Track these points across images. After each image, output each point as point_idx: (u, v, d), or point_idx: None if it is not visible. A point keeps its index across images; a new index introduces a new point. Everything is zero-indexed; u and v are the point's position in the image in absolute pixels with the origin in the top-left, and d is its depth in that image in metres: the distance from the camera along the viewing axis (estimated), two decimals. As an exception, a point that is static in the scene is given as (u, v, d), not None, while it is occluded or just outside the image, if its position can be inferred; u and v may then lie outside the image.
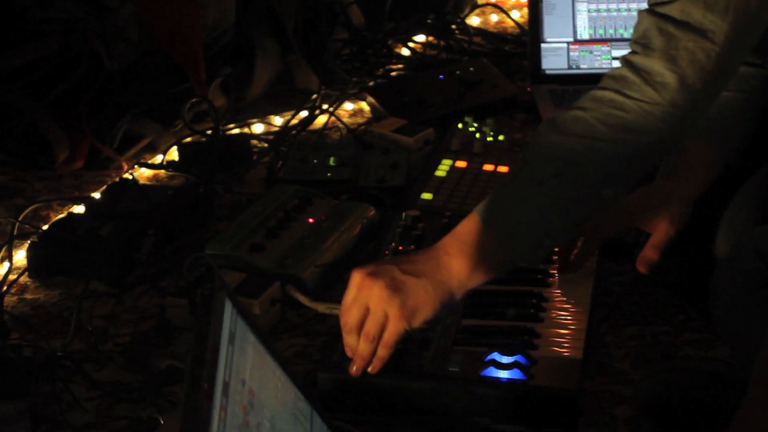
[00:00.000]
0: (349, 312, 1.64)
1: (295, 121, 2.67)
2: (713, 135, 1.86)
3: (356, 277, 1.64)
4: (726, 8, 1.49)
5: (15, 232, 2.21)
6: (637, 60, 1.53)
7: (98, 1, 2.48)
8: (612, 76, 1.57)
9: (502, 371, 1.66)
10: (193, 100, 2.48)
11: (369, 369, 1.65)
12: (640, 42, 1.54)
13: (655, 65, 1.52)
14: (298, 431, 1.42)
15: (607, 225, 1.88)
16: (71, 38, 2.48)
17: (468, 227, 1.61)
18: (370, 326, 1.62)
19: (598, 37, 2.77)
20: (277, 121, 2.71)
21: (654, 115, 1.53)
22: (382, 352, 1.63)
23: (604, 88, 1.57)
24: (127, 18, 2.50)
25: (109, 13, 2.47)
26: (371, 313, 1.62)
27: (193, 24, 2.53)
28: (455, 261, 1.60)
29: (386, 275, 1.61)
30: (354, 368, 1.65)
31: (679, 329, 1.89)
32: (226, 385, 1.30)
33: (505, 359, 1.68)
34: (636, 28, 1.57)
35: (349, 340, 1.65)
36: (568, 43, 2.78)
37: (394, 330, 1.61)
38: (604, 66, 2.76)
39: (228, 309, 1.40)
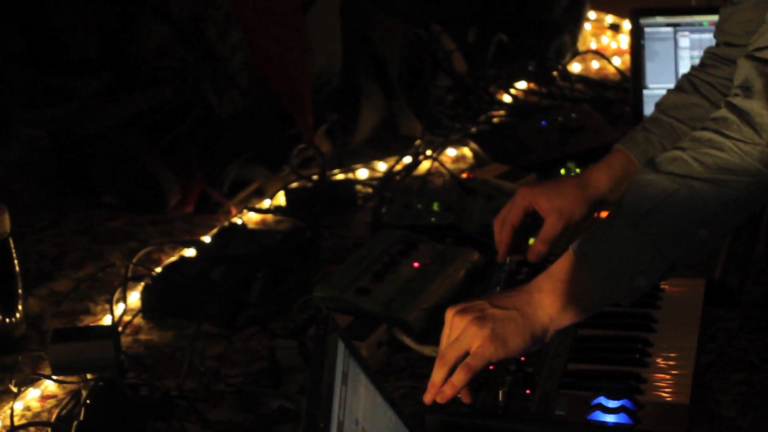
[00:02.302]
0: (444, 349, 1.66)
1: (399, 167, 2.71)
2: (646, 151, 1.87)
3: (449, 315, 1.67)
4: None
5: (129, 275, 2.27)
6: (738, 101, 1.55)
7: (210, 50, 2.55)
8: (713, 117, 1.58)
9: (608, 415, 1.68)
10: (301, 146, 2.54)
11: (438, 397, 1.63)
12: (741, 87, 1.56)
13: (755, 106, 1.52)
14: (410, 471, 1.45)
15: (516, 203, 1.95)
16: (184, 86, 2.56)
17: (562, 265, 1.63)
18: (450, 352, 1.63)
19: (700, 83, 2.78)
20: (381, 166, 2.76)
21: (752, 155, 1.52)
22: (457, 377, 1.62)
23: (705, 129, 1.57)
24: (237, 66, 2.57)
25: (220, 62, 2.55)
26: (456, 341, 1.63)
27: (301, 71, 2.59)
28: (547, 297, 1.62)
29: (476, 309, 1.64)
30: (426, 396, 1.64)
31: (787, 376, 1.89)
32: (340, 424, 1.34)
33: (612, 403, 1.69)
34: (737, 75, 1.58)
35: (435, 375, 1.65)
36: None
37: (479, 354, 1.61)
38: (706, 112, 2.77)
39: (341, 350, 1.44)
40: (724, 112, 1.55)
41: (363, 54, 2.81)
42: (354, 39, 2.79)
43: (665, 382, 1.76)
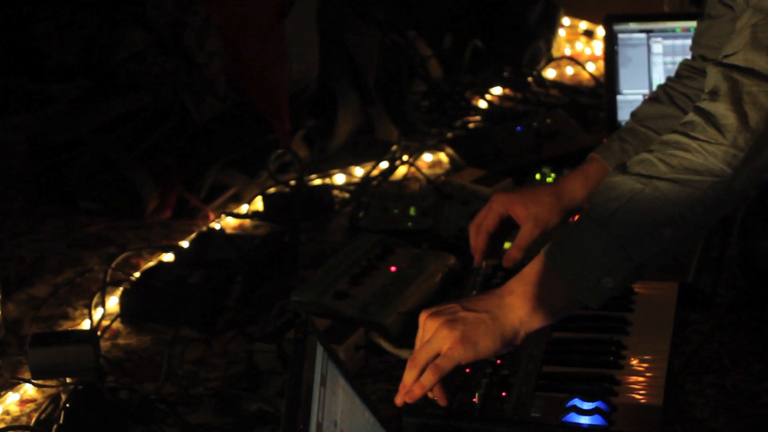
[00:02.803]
0: (417, 351, 1.68)
1: (375, 172, 2.73)
2: (622, 160, 1.92)
3: (422, 318, 1.68)
4: None
5: (108, 279, 2.29)
6: (704, 105, 1.57)
7: (188, 56, 2.57)
8: (682, 122, 1.60)
9: (583, 417, 1.70)
10: (279, 151, 2.56)
11: (407, 397, 1.64)
12: (709, 92, 1.58)
13: (720, 108, 1.55)
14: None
15: (492, 210, 1.97)
16: (162, 91, 2.57)
17: (533, 267, 1.65)
18: (420, 354, 1.64)
19: (673, 88, 2.81)
20: (358, 171, 2.78)
21: (716, 155, 1.54)
22: (426, 377, 1.63)
23: (673, 132, 1.60)
24: (215, 72, 2.59)
25: (198, 68, 2.56)
26: (427, 343, 1.64)
27: (278, 77, 2.61)
28: (518, 300, 1.63)
29: (448, 312, 1.65)
30: (397, 398, 1.65)
31: (758, 378, 1.91)
32: (319, 426, 1.36)
33: (586, 405, 1.71)
34: (707, 82, 1.60)
35: (406, 377, 1.66)
36: (643, 95, 2.82)
37: (449, 356, 1.62)
38: (679, 117, 2.80)
39: (320, 353, 1.46)
40: (691, 115, 1.58)
41: (340, 60, 2.83)
42: (331, 45, 2.81)
43: (639, 384, 1.78)
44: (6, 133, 2.80)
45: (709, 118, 1.55)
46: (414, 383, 1.65)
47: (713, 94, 1.56)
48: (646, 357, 1.86)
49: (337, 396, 1.46)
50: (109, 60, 2.59)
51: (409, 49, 3.02)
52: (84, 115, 2.62)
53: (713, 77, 1.57)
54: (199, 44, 2.57)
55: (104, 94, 2.61)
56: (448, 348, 1.63)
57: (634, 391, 1.77)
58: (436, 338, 1.64)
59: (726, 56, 1.57)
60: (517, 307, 1.64)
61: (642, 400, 1.74)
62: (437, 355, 1.64)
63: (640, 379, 1.80)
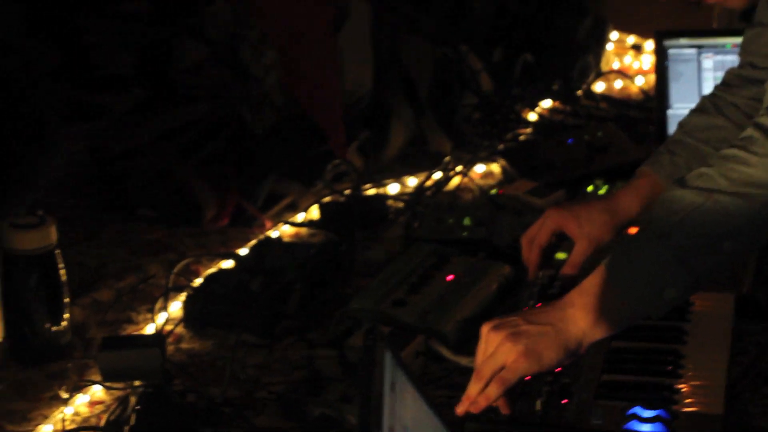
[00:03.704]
0: (479, 364, 1.71)
1: (429, 183, 2.77)
2: (673, 173, 1.93)
3: (484, 330, 1.71)
4: None
5: (170, 285, 2.33)
6: (763, 120, 1.60)
7: (245, 69, 2.61)
8: (740, 137, 1.63)
9: (644, 425, 1.73)
10: (336, 161, 2.60)
11: (471, 408, 1.68)
12: (767, 107, 1.61)
13: None
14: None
15: (545, 225, 2.02)
16: (219, 103, 2.62)
17: (594, 280, 1.68)
18: (485, 367, 1.68)
19: (724, 103, 2.83)
20: (411, 182, 2.82)
21: None
22: (492, 390, 1.67)
23: (732, 146, 1.62)
24: (271, 84, 2.63)
25: (254, 80, 2.61)
26: (491, 356, 1.68)
27: (333, 90, 2.65)
28: (579, 312, 1.67)
29: (510, 325, 1.69)
30: (459, 407, 1.69)
31: (816, 387, 1.94)
32: (390, 430, 1.39)
33: (647, 413, 1.74)
34: (765, 98, 1.63)
35: (471, 389, 1.70)
36: (693, 109, 2.84)
37: (513, 369, 1.66)
38: (729, 131, 2.83)
39: (388, 360, 1.49)
40: (750, 131, 1.61)
41: (393, 73, 2.87)
42: (384, 58, 2.85)
43: (698, 393, 1.81)
44: (66, 142, 2.85)
45: None
46: (478, 395, 1.69)
47: None
48: (704, 366, 1.88)
49: (406, 402, 1.49)
50: (167, 71, 2.64)
51: (460, 62, 3.06)
52: (143, 125, 2.67)
53: None
54: (255, 57, 2.62)
55: (162, 104, 2.66)
56: (512, 361, 1.66)
57: (693, 399, 1.79)
58: (500, 351, 1.67)
59: None
60: (579, 319, 1.67)
61: (702, 409, 1.77)
62: (501, 368, 1.67)
63: (700, 388, 1.82)
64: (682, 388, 1.82)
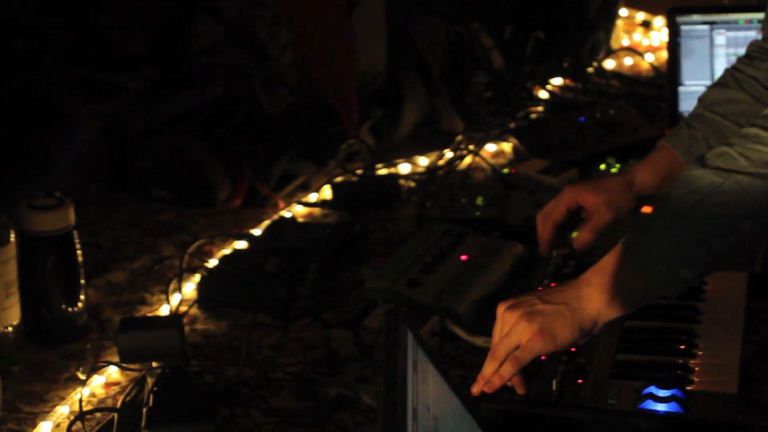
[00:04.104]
0: (495, 344, 1.72)
1: (441, 162, 2.78)
2: (691, 147, 1.94)
3: (500, 310, 1.72)
4: None
5: (184, 266, 2.34)
6: None
7: (260, 49, 2.62)
8: (762, 115, 1.62)
9: (659, 404, 1.74)
10: (351, 141, 2.61)
11: (486, 387, 1.69)
12: None
13: None
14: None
15: (561, 201, 2.01)
16: (234, 83, 2.63)
17: (610, 259, 1.68)
18: (500, 347, 1.68)
19: (735, 80, 2.83)
20: (423, 161, 2.83)
21: None
22: (506, 369, 1.68)
23: (753, 125, 1.62)
24: (286, 64, 2.64)
25: (270, 60, 2.61)
26: (506, 336, 1.68)
27: (347, 69, 2.66)
28: (595, 291, 1.67)
29: (526, 305, 1.69)
30: (474, 387, 1.70)
31: (829, 366, 1.95)
32: (414, 411, 1.41)
33: (662, 393, 1.75)
34: None
35: (486, 368, 1.71)
36: (705, 86, 2.84)
37: (528, 348, 1.66)
38: (741, 109, 2.83)
39: (410, 340, 1.51)
40: None
41: (406, 52, 2.88)
42: (397, 38, 2.86)
43: (713, 372, 1.82)
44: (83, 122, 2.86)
45: None
46: (493, 374, 1.70)
47: None
48: (718, 346, 1.89)
49: (428, 382, 1.50)
50: (183, 52, 2.65)
51: (472, 40, 3.06)
52: (158, 106, 2.68)
53: None
54: (271, 37, 2.62)
55: (176, 85, 2.67)
56: (527, 340, 1.67)
57: (708, 379, 1.80)
58: (515, 331, 1.68)
59: None
60: (594, 298, 1.67)
61: (717, 388, 1.78)
62: (516, 347, 1.68)
63: (714, 367, 1.83)
64: (696, 367, 1.83)
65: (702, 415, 1.72)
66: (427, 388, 1.49)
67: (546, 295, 1.70)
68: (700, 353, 1.88)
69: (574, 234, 2.12)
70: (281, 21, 2.60)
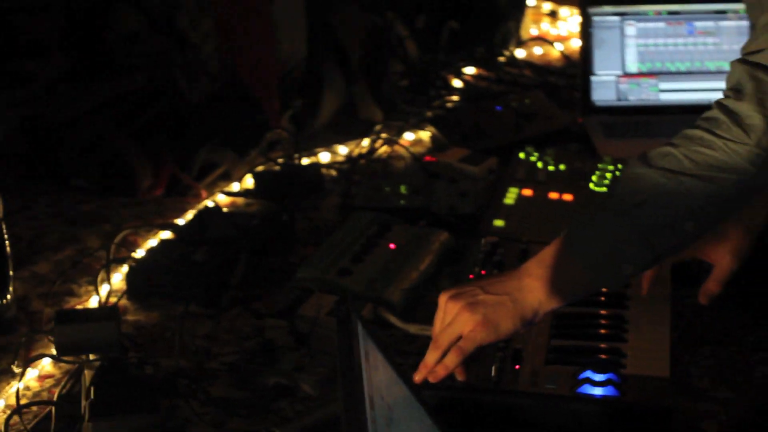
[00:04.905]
0: (437, 333, 1.75)
1: (362, 151, 2.80)
2: None
3: (442, 300, 1.74)
4: None
5: (111, 257, 2.33)
6: (728, 103, 1.63)
7: (182, 37, 2.61)
8: (704, 117, 1.66)
9: (596, 388, 1.79)
10: (278, 130, 2.61)
11: (430, 377, 1.72)
12: (732, 89, 1.64)
13: (745, 108, 1.61)
14: (428, 444, 1.54)
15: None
16: (156, 72, 2.61)
17: (552, 251, 1.71)
18: (443, 336, 1.71)
19: (646, 70, 2.91)
20: (342, 150, 2.84)
21: (741, 154, 1.60)
22: (450, 359, 1.71)
23: (696, 127, 1.66)
24: (208, 53, 2.63)
25: (191, 49, 2.60)
26: (449, 326, 1.71)
27: (269, 59, 2.66)
28: (536, 282, 1.70)
29: (469, 295, 1.72)
30: (417, 376, 1.73)
31: (752, 348, 2.02)
32: (371, 400, 1.43)
33: (599, 377, 1.80)
34: (729, 78, 1.66)
35: (429, 357, 1.74)
36: (617, 76, 2.91)
37: (471, 338, 1.69)
38: (651, 99, 2.90)
39: (360, 329, 1.53)
40: (715, 112, 1.64)
41: (326, 41, 2.89)
42: (317, 26, 2.87)
43: (644, 357, 1.87)
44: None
45: (734, 117, 1.61)
46: (436, 364, 1.73)
47: (737, 92, 1.62)
48: (647, 330, 1.95)
49: (379, 371, 1.52)
50: (102, 40, 2.63)
51: (387, 29, 3.08)
52: (78, 95, 2.65)
53: (737, 74, 1.63)
54: (192, 25, 2.62)
55: (97, 74, 2.65)
56: (470, 330, 1.70)
57: (641, 363, 1.85)
58: (458, 321, 1.71)
59: (751, 53, 1.63)
60: (535, 289, 1.70)
61: (650, 372, 1.83)
62: (459, 337, 1.71)
63: (645, 351, 1.89)
64: (627, 351, 1.89)
65: (637, 398, 1.77)
66: (379, 377, 1.51)
67: (488, 285, 1.73)
68: (630, 338, 1.93)
69: (498, 222, 2.15)
70: (203, 9, 2.59)
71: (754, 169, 1.61)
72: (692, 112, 2.75)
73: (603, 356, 1.87)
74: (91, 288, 2.27)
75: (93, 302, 2.23)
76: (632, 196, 1.65)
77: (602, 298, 2.02)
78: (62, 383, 1.97)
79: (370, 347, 1.54)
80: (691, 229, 1.64)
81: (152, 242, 2.41)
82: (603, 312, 1.99)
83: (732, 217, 1.85)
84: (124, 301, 2.25)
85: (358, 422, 1.32)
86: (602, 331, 1.95)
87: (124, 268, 2.31)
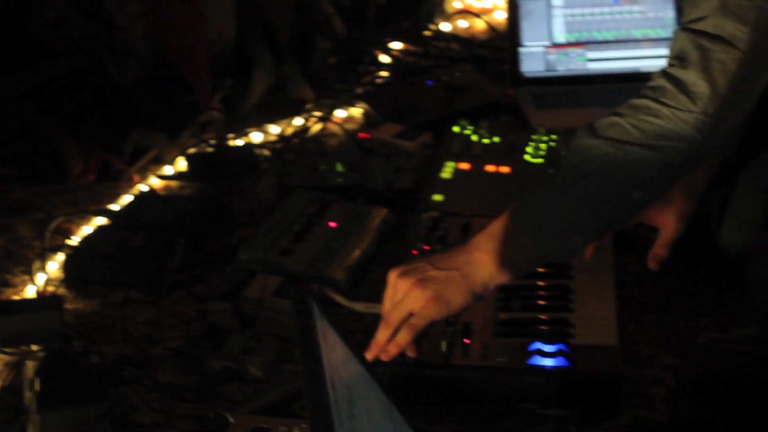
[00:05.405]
0: (388, 311, 1.74)
1: (295, 130, 2.78)
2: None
3: (392, 277, 1.73)
4: (757, 20, 1.61)
5: (46, 245, 2.29)
6: (674, 71, 1.63)
7: (109, 20, 2.56)
8: (650, 86, 1.66)
9: (547, 359, 1.79)
10: (210, 111, 2.58)
11: (383, 355, 1.71)
12: (676, 57, 1.64)
13: (690, 76, 1.61)
14: (387, 426, 1.53)
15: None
16: (83, 56, 2.56)
17: (500, 224, 1.70)
18: (394, 314, 1.70)
19: (573, 40, 2.92)
20: (274, 129, 2.82)
21: (687, 122, 1.61)
22: (402, 337, 1.69)
23: (642, 96, 1.66)
24: (136, 35, 2.59)
25: (119, 31, 2.56)
26: (400, 303, 1.70)
27: (197, 39, 2.63)
28: (486, 256, 1.69)
29: (418, 272, 1.70)
30: (368, 354, 1.71)
31: (695, 314, 2.04)
32: (332, 380, 1.41)
33: (549, 348, 1.81)
34: (672, 47, 1.66)
35: (380, 335, 1.73)
36: (545, 46, 2.92)
37: (423, 314, 1.68)
38: (579, 68, 2.92)
39: (316, 310, 1.51)
40: (661, 81, 1.63)
41: (254, 21, 2.86)
42: (246, 6, 2.83)
43: (592, 326, 1.88)
44: None
45: (680, 85, 1.61)
46: (388, 342, 1.72)
47: (682, 61, 1.62)
48: (593, 300, 1.96)
49: (336, 351, 1.51)
50: (28, 25, 2.57)
51: (314, 7, 3.06)
52: (4, 82, 2.60)
53: (680, 42, 1.63)
54: (119, 8, 2.57)
55: (24, 59, 2.59)
56: (421, 307, 1.69)
57: (589, 332, 1.87)
58: (408, 298, 1.69)
59: (693, 21, 1.63)
60: (485, 263, 1.69)
61: (598, 341, 1.84)
62: (410, 314, 1.70)
63: (592, 320, 1.90)
64: (576, 321, 1.89)
65: (588, 367, 1.78)
66: (336, 357, 1.50)
67: (437, 261, 1.72)
68: (577, 308, 1.94)
69: (436, 197, 2.14)
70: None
71: (701, 136, 1.61)
72: (620, 81, 2.88)
73: (551, 327, 1.88)
74: (26, 278, 2.23)
75: (30, 292, 2.19)
76: (580, 167, 1.65)
77: (545, 270, 2.03)
78: (3, 375, 1.93)
79: (326, 327, 1.53)
80: (640, 198, 1.65)
81: (87, 229, 2.37)
82: (547, 283, 2.00)
83: None
84: (61, 290, 2.21)
85: (323, 405, 1.30)
86: (548, 302, 1.96)
87: (60, 257, 2.27)
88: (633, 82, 2.82)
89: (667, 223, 1.94)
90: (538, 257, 1.70)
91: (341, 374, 1.47)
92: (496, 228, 1.70)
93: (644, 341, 1.98)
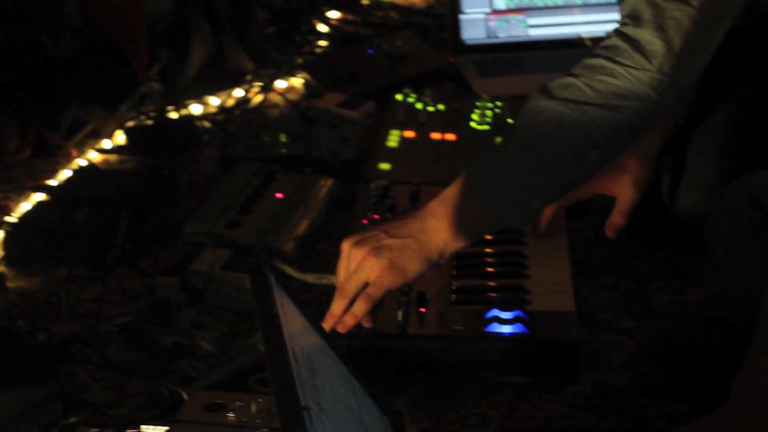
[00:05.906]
0: (343, 282, 1.71)
1: (232, 102, 2.73)
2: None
3: (345, 247, 1.69)
4: None
5: (-17, 223, 2.23)
6: (628, 30, 1.62)
7: (43, -10, 2.50)
8: (604, 45, 1.64)
9: (504, 326, 1.78)
10: (148, 83, 2.53)
11: (339, 327, 1.68)
12: (629, 16, 1.62)
13: (645, 34, 1.59)
14: (348, 396, 1.50)
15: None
16: (17, 28, 2.50)
17: (455, 189, 1.67)
18: (349, 284, 1.67)
19: (514, 6, 2.90)
20: (214, 101, 2.77)
21: (643, 80, 1.59)
22: (358, 307, 1.67)
23: (596, 56, 1.64)
24: (71, 7, 2.53)
25: (53, 2, 2.49)
26: (355, 273, 1.67)
27: (134, 10, 2.57)
28: (441, 222, 1.66)
29: (372, 240, 1.67)
30: (325, 324, 1.68)
31: (648, 278, 2.03)
32: (293, 352, 1.38)
33: (506, 315, 1.79)
34: (625, 5, 1.63)
35: (335, 307, 1.70)
36: (485, 13, 2.90)
37: (379, 283, 1.65)
38: (520, 35, 2.90)
39: (273, 281, 1.48)
40: (615, 40, 1.61)
41: (192, -10, 2.81)
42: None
43: (548, 292, 1.87)
44: None
45: (635, 44, 1.59)
46: (343, 312, 1.68)
47: (635, 20, 1.60)
48: (548, 266, 1.94)
49: (295, 322, 1.48)
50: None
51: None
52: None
53: (633, 1, 1.61)
54: (53, -23, 2.51)
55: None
56: (376, 276, 1.65)
57: (545, 298, 1.85)
58: (363, 267, 1.66)
59: None
60: (440, 229, 1.67)
61: (555, 307, 1.83)
62: (365, 284, 1.67)
63: (549, 286, 1.88)
64: (532, 288, 1.88)
65: (545, 333, 1.77)
66: (294, 327, 1.47)
67: (391, 229, 1.69)
68: (532, 274, 1.92)
69: (383, 166, 2.11)
70: (63, -39, 2.49)
71: (656, 95, 1.60)
72: (562, 47, 2.87)
73: (507, 294, 1.86)
74: (-35, 257, 2.18)
75: (-31, 272, 2.14)
76: (536, 129, 1.63)
77: (498, 236, 2.01)
78: (-53, 358, 1.88)
79: (284, 298, 1.49)
80: (597, 158, 1.63)
81: (26, 206, 2.31)
82: (501, 250, 1.98)
83: (632, 145, 1.84)
84: (2, 268, 2.15)
85: (287, 376, 1.27)
86: (503, 269, 1.94)
87: (0, 234, 2.22)
88: (574, 47, 2.83)
89: (624, 191, 1.92)
90: (495, 222, 1.67)
91: (302, 345, 1.44)
92: (450, 194, 1.67)
93: (600, 306, 1.97)
